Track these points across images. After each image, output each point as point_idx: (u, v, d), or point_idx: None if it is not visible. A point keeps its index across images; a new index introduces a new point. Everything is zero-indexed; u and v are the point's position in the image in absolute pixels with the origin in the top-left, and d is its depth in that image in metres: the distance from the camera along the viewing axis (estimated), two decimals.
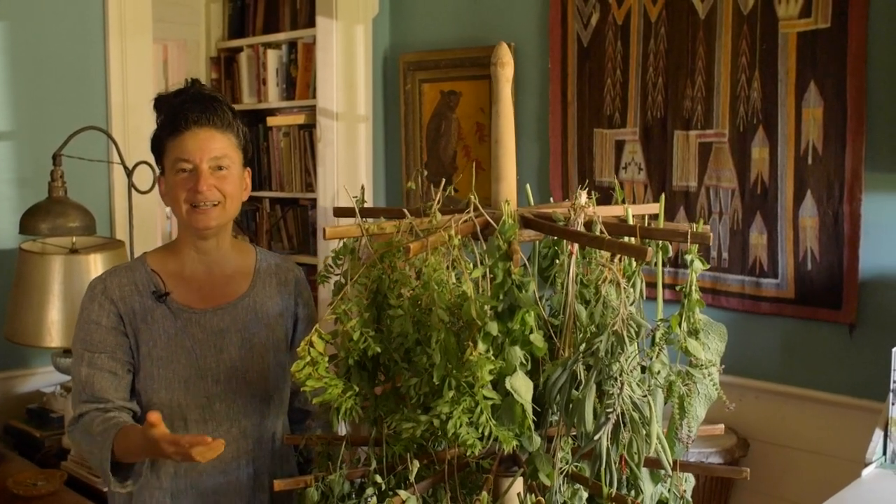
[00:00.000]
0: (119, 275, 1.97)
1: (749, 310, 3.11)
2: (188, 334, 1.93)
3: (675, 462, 1.63)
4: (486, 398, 1.41)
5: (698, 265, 1.60)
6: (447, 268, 1.49)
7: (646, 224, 1.66)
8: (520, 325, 1.42)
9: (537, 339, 1.43)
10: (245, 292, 2.00)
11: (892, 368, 2.47)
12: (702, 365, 1.61)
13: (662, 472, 1.67)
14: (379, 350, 1.48)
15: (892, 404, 2.47)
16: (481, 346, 1.41)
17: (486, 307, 1.42)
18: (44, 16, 3.29)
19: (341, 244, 1.71)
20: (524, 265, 1.55)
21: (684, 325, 1.59)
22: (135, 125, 3.41)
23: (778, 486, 3.08)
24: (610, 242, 1.49)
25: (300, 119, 4.42)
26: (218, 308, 1.97)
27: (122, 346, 1.93)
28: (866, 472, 2.43)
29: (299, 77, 4.38)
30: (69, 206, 2.73)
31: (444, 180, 1.77)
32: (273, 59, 4.45)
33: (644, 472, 1.64)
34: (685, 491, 1.71)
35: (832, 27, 2.88)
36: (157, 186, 1.98)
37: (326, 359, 1.47)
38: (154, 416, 1.70)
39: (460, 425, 1.46)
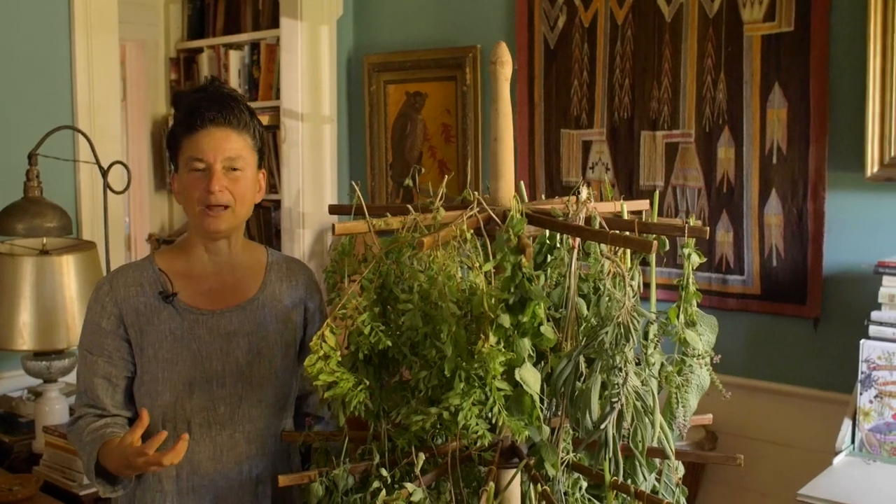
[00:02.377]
0: (125, 274, 1.95)
1: (716, 306, 3.18)
2: (194, 336, 1.90)
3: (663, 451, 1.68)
4: (498, 389, 1.44)
5: (695, 258, 1.65)
6: (456, 262, 1.52)
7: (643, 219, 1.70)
8: (531, 318, 1.45)
9: (547, 330, 1.46)
10: (254, 295, 1.97)
11: (860, 360, 2.55)
12: (698, 355, 1.66)
13: (657, 460, 1.72)
14: (389, 344, 1.50)
15: (860, 394, 2.55)
16: (493, 339, 1.44)
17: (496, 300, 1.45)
18: (8, 14, 3.24)
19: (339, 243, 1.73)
20: None
21: (682, 316, 1.64)
22: (101, 125, 3.37)
23: (746, 478, 3.16)
24: (614, 236, 1.53)
25: (263, 120, 4.39)
26: (226, 310, 1.94)
27: (120, 350, 1.91)
28: (837, 460, 2.51)
29: (262, 78, 4.36)
30: (45, 205, 2.69)
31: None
32: (235, 59, 4.43)
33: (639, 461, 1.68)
34: (680, 478, 1.76)
35: (795, 31, 2.97)
36: (170, 184, 1.98)
37: (339, 353, 1.48)
38: (144, 415, 1.76)
39: (470, 417, 1.49)
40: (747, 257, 3.13)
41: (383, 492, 1.54)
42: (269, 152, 1.92)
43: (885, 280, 2.61)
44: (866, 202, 2.86)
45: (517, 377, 1.47)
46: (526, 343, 1.48)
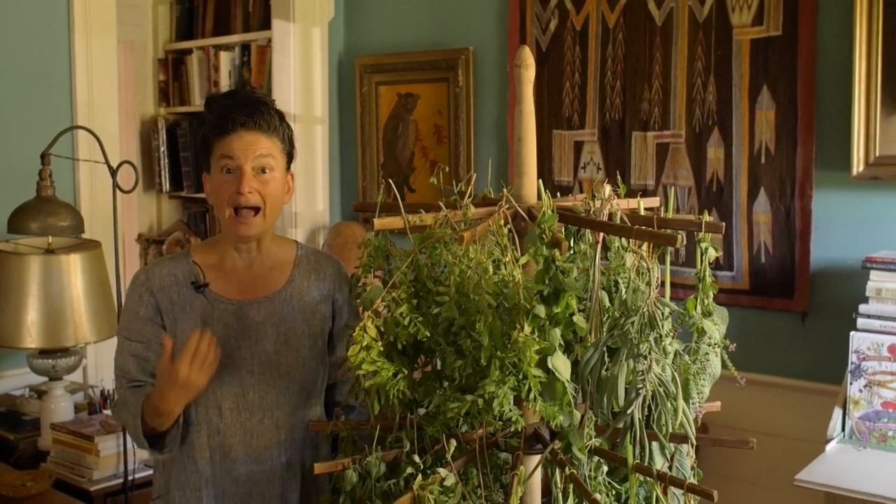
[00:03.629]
0: (161, 266, 2.05)
1: None
2: (224, 324, 2.00)
3: (685, 436, 1.76)
4: (534, 377, 1.51)
5: (711, 252, 1.73)
6: (487, 256, 1.59)
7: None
8: (564, 308, 1.53)
9: (580, 320, 1.54)
10: (283, 286, 2.06)
11: (851, 351, 2.66)
12: (714, 344, 1.75)
13: (672, 445, 1.81)
14: (428, 335, 1.56)
15: (851, 384, 2.66)
16: (527, 328, 1.51)
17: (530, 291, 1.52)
18: (8, 15, 3.27)
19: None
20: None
21: (699, 306, 1.73)
22: (100, 124, 3.40)
23: (736, 468, 3.26)
24: (640, 231, 1.61)
25: None
26: (255, 301, 2.03)
27: (156, 336, 2.00)
28: (829, 447, 2.62)
29: (252, 79, 4.41)
30: (58, 205, 2.73)
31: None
32: (226, 61, 4.46)
33: (655, 446, 1.76)
34: (695, 461, 1.84)
35: (783, 35, 3.08)
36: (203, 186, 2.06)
37: (380, 343, 1.55)
38: (167, 339, 1.88)
39: (505, 403, 1.56)
40: (736, 254, 3.23)
41: (419, 476, 1.61)
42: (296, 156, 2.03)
43: (873, 275, 2.72)
44: (852, 200, 2.98)
45: (549, 365, 1.55)
46: (557, 332, 1.56)
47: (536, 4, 3.66)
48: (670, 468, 1.86)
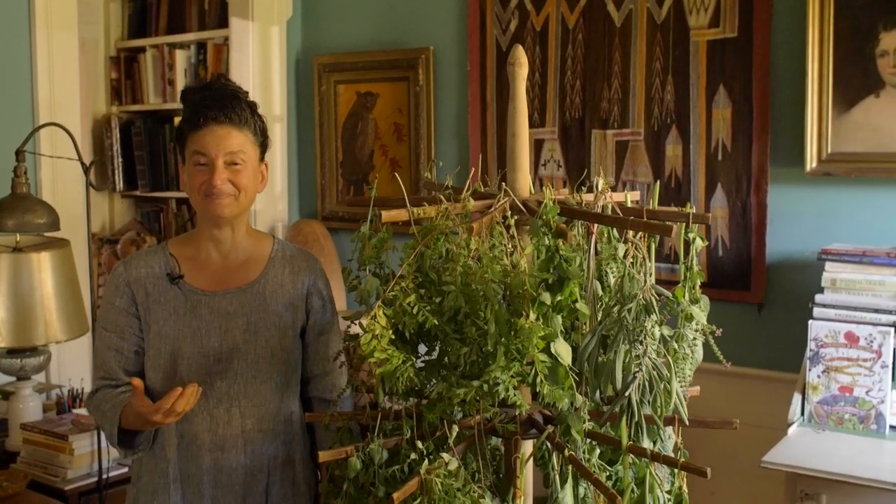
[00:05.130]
0: (139, 258, 2.11)
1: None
2: (196, 314, 2.05)
3: (673, 418, 1.84)
4: (541, 362, 1.57)
5: (699, 242, 1.82)
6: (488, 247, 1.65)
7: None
8: (567, 296, 1.59)
9: (582, 306, 1.61)
10: (256, 279, 2.10)
11: (809, 339, 2.78)
12: (700, 330, 1.83)
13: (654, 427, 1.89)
14: (436, 322, 1.62)
15: (809, 370, 2.78)
16: (533, 315, 1.58)
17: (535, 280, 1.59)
18: None
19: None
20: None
21: (687, 294, 1.81)
22: (62, 122, 3.36)
23: (699, 456, 3.35)
24: (634, 222, 1.69)
25: None
26: (227, 291, 2.08)
27: (131, 326, 2.07)
28: (791, 430, 2.73)
29: (209, 78, 4.39)
30: (34, 202, 2.72)
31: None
32: (181, 59, 4.44)
33: (643, 429, 1.84)
34: (681, 443, 1.93)
35: (739, 36, 3.20)
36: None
37: (391, 332, 1.59)
38: (136, 381, 1.90)
39: (507, 389, 1.62)
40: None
41: (426, 461, 1.66)
42: (269, 146, 2.08)
43: (828, 266, 2.85)
44: (806, 195, 3.11)
45: (553, 350, 1.62)
46: (559, 319, 1.63)
47: (496, 5, 3.73)
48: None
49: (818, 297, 2.85)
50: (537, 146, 3.68)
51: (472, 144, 3.83)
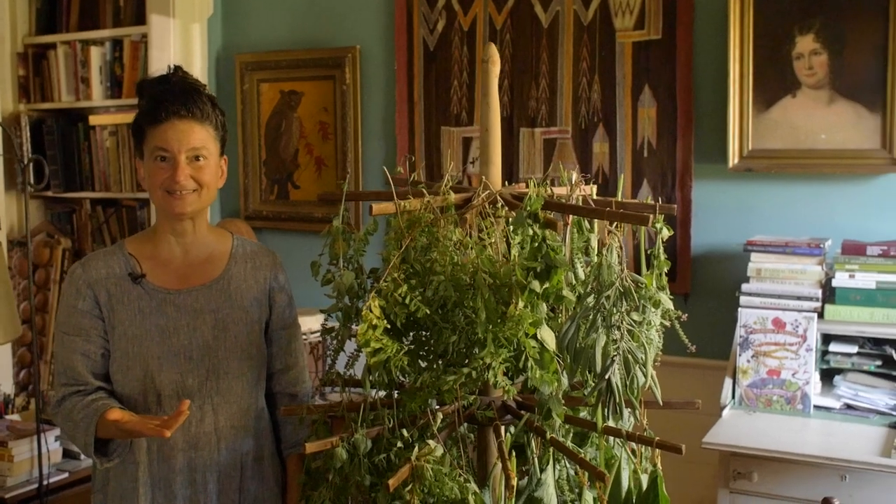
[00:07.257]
0: (97, 259, 2.06)
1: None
2: (162, 313, 2.02)
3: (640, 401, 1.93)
4: (532, 347, 1.63)
5: (665, 232, 1.91)
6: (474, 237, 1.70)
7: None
8: (555, 283, 1.66)
9: (568, 294, 1.68)
10: (220, 275, 2.09)
11: (739, 325, 2.93)
12: (669, 315, 1.93)
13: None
14: (428, 311, 1.66)
15: (739, 355, 2.93)
16: (521, 303, 1.64)
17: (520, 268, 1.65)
18: None
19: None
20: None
21: (655, 281, 1.90)
22: None
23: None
24: (610, 213, 1.76)
25: (128, 118, 4.32)
26: (192, 289, 2.06)
27: (95, 328, 2.01)
28: (725, 413, 2.88)
29: (126, 75, 4.30)
30: None
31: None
32: (96, 56, 4.33)
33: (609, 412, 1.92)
34: (647, 424, 2.02)
35: (663, 38, 3.34)
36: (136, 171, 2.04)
37: (385, 322, 1.63)
38: (116, 414, 1.86)
39: (496, 375, 1.68)
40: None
41: (415, 448, 1.69)
42: (227, 140, 2.06)
43: (753, 256, 3.01)
44: (729, 190, 3.27)
45: (539, 336, 1.68)
46: (543, 306, 1.69)
47: (423, 5, 3.78)
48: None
49: (745, 287, 3.00)
50: (465, 144, 3.75)
51: (399, 143, 3.87)
